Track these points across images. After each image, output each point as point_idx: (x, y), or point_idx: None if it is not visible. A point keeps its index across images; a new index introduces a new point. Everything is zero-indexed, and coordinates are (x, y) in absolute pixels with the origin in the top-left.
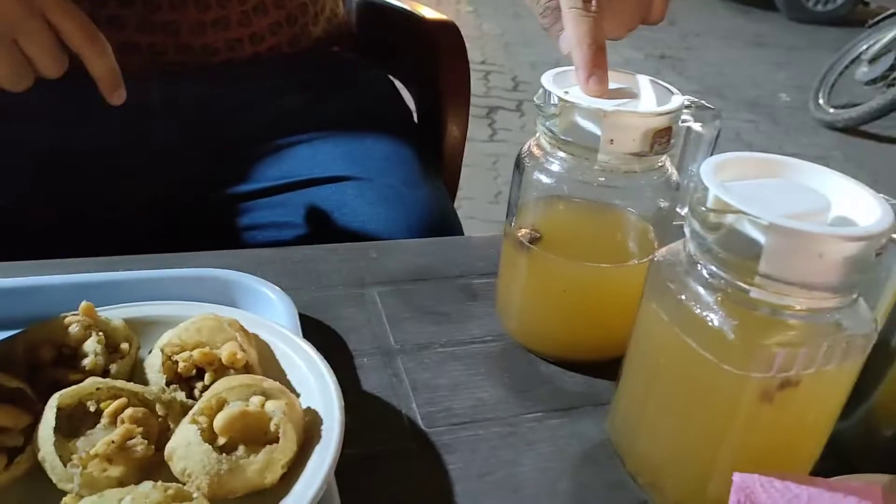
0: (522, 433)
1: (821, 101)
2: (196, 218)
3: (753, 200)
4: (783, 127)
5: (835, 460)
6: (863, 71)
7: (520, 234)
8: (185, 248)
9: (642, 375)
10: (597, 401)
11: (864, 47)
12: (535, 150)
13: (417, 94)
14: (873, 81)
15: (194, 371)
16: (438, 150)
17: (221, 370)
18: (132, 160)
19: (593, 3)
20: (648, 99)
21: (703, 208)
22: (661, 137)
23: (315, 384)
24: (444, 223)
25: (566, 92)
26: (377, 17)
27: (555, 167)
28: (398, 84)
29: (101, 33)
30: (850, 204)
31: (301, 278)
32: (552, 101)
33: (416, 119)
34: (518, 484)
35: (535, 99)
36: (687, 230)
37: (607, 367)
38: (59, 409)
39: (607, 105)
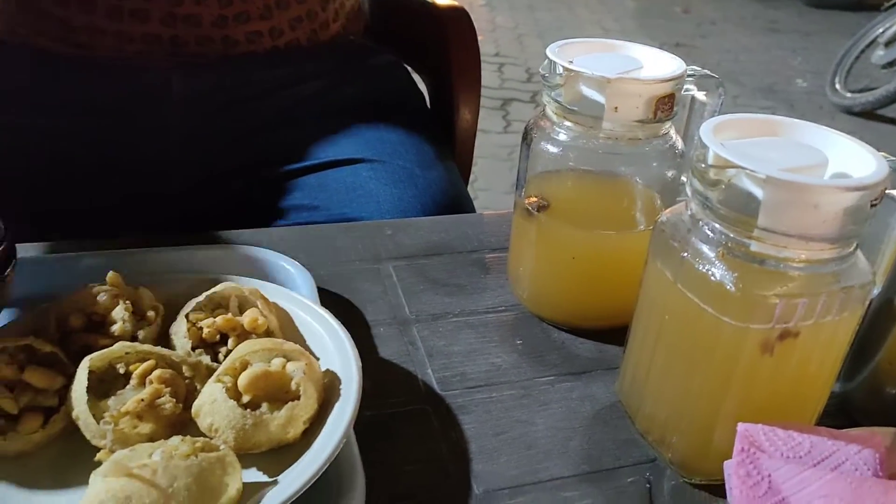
0: (535, 395)
1: (837, 86)
2: (216, 202)
3: (752, 157)
4: (800, 112)
5: (843, 419)
6: (879, 54)
7: (528, 203)
8: (208, 229)
9: (648, 335)
10: (607, 365)
11: (880, 31)
12: (542, 122)
13: (429, 80)
14: (889, 65)
15: (218, 336)
16: (451, 134)
17: (244, 335)
18: (154, 149)
19: None
20: (652, 67)
21: (703, 165)
22: (665, 104)
23: (333, 348)
24: (457, 204)
25: (570, 62)
26: (390, 4)
27: (561, 137)
28: (409, 70)
29: None
30: (848, 159)
31: (319, 255)
32: (557, 72)
33: (428, 104)
34: (531, 442)
35: (540, 70)
36: (688, 189)
37: (617, 334)
38: (90, 371)
39: (611, 73)
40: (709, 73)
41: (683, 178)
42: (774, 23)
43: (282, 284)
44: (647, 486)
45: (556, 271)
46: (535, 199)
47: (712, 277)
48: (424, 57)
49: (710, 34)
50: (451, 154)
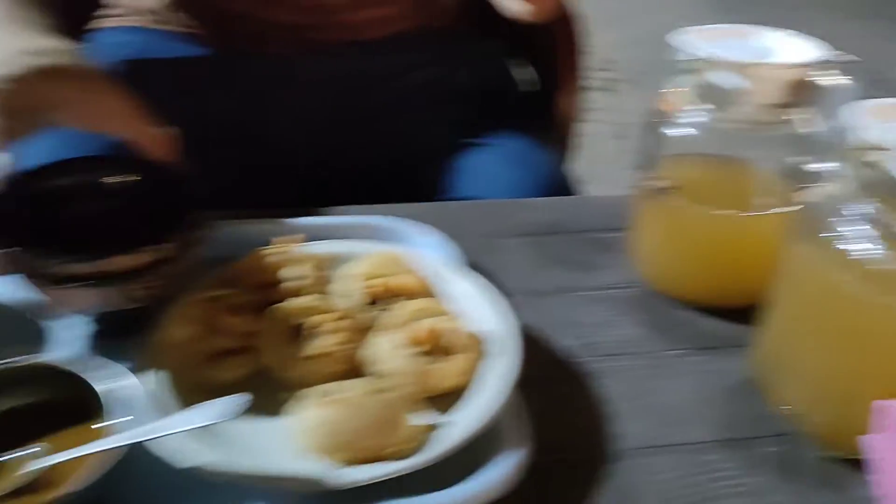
0: (665, 367)
1: None
2: (336, 180)
3: None
4: None
5: None
6: None
7: (656, 186)
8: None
9: (790, 314)
10: (734, 342)
11: None
12: (668, 107)
13: (532, 67)
14: None
15: (383, 297)
16: (552, 122)
17: (405, 296)
18: (279, 128)
19: None
20: (784, 52)
21: (861, 148)
22: (798, 90)
23: (488, 310)
24: (566, 187)
25: (701, 48)
26: None
27: (690, 120)
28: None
29: None
30: None
31: (446, 231)
32: (687, 57)
33: (530, 91)
34: (666, 408)
35: (669, 54)
36: (844, 171)
37: (742, 312)
38: (279, 319)
39: (745, 58)
40: (852, 56)
41: (814, 163)
42: (862, 7)
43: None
44: (786, 456)
45: (684, 251)
46: (663, 182)
47: (871, 258)
48: (529, 46)
49: (797, 21)
50: (554, 140)
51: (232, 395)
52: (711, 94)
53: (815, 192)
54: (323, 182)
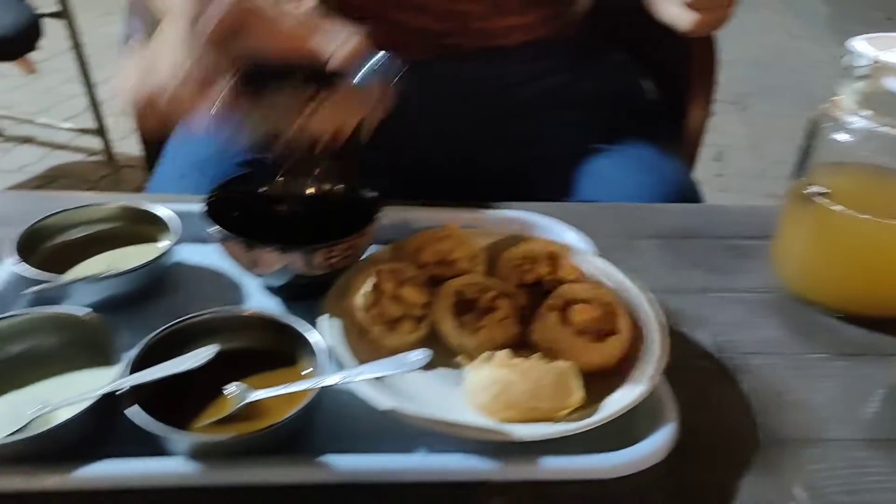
0: (809, 369)
1: None
2: (475, 181)
3: None
4: None
5: None
6: None
7: (809, 191)
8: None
9: None
10: (880, 351)
11: None
12: (836, 113)
13: (659, 78)
14: None
15: (537, 280)
16: (679, 131)
17: (559, 281)
18: (418, 126)
19: None
20: None
21: None
22: None
23: (634, 299)
24: (692, 195)
25: (879, 54)
26: (620, 5)
27: (856, 127)
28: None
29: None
30: None
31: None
32: (863, 63)
33: (658, 101)
34: (812, 406)
35: (843, 61)
36: None
37: (888, 322)
38: (451, 292)
39: None
40: None
41: None
42: None
43: None
44: None
45: (832, 257)
46: (816, 188)
47: None
48: (657, 56)
49: None
50: (681, 151)
51: (415, 350)
52: (882, 101)
53: None
54: (456, 181)
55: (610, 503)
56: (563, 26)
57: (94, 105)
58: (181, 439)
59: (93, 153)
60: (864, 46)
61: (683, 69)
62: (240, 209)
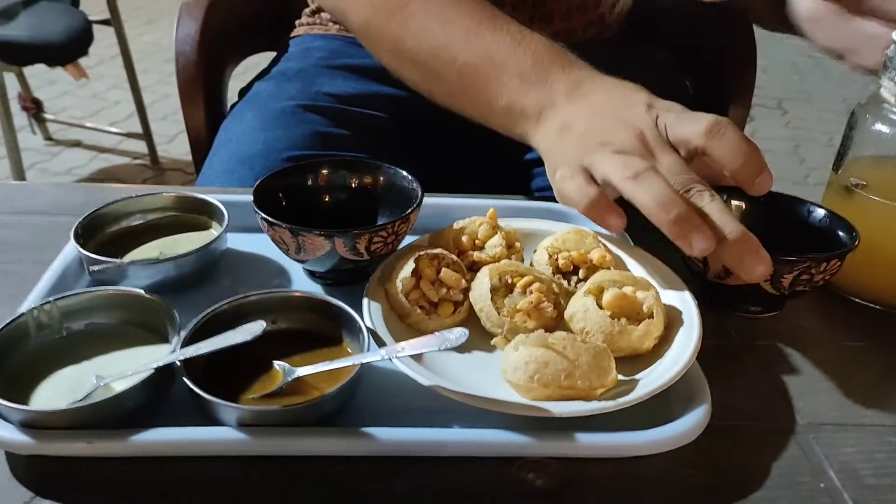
0: (846, 357)
1: None
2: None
3: None
4: None
5: None
6: None
7: (849, 183)
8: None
9: None
10: None
11: None
12: (877, 104)
13: (698, 78)
14: None
15: (571, 267)
16: None
17: (592, 268)
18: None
19: None
20: None
21: None
22: None
23: (667, 285)
24: None
25: None
26: (659, 6)
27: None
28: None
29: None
30: None
31: None
32: None
33: (698, 100)
34: (849, 390)
35: (885, 52)
36: None
37: None
38: (489, 276)
39: None
40: None
41: None
42: None
43: None
44: None
45: (871, 248)
46: (854, 179)
47: None
48: (696, 57)
49: None
50: None
51: (452, 329)
52: None
53: None
54: (499, 177)
55: (642, 481)
56: (604, 28)
57: (140, 110)
58: (231, 410)
59: (137, 156)
60: None
61: (721, 70)
62: (286, 199)
